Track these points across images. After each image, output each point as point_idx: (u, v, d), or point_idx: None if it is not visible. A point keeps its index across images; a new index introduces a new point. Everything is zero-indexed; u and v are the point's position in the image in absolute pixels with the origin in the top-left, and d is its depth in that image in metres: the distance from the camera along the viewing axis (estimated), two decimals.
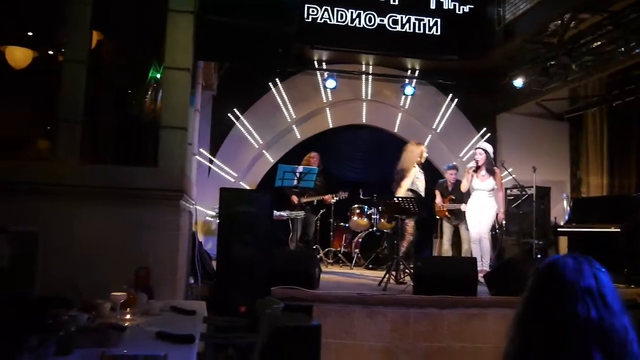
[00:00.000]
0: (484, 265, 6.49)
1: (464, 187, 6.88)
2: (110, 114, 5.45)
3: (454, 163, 8.52)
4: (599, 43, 7.78)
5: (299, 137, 9.61)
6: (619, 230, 6.63)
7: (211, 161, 8.98)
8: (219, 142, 9.16)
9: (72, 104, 4.33)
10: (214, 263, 5.39)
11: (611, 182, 9.55)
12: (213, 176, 8.96)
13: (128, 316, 2.82)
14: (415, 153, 6.93)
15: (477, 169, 6.65)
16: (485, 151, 6.65)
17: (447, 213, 7.44)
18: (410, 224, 6.93)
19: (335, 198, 7.82)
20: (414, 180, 6.80)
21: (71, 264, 3.81)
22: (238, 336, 3.42)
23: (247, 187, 8.83)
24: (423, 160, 7.05)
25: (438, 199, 7.64)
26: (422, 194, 6.85)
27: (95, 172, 4.29)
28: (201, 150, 8.60)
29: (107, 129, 5.37)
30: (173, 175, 4.32)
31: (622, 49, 7.49)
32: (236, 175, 9.11)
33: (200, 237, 6.64)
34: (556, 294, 1.26)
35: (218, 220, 5.14)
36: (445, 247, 7.37)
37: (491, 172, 6.61)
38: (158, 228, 4.20)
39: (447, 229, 7.52)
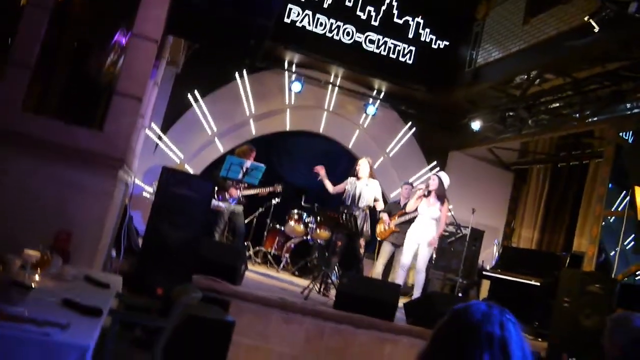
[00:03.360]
0: (415, 295, 6.57)
1: (409, 207, 6.94)
2: (67, 68, 5.28)
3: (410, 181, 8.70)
4: (557, 105, 8.15)
5: (254, 132, 9.57)
6: (538, 284, 6.91)
7: (160, 138, 8.82)
8: (172, 120, 9.01)
9: (27, 48, 4.17)
10: (140, 240, 5.29)
11: (541, 237, 9.96)
12: (159, 153, 8.81)
13: (37, 277, 2.72)
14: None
15: (428, 194, 6.74)
16: (440, 180, 6.76)
17: (395, 229, 7.42)
18: (361, 244, 6.96)
19: (268, 189, 7.69)
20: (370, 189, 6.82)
21: None
22: (149, 318, 3.36)
23: (191, 171, 8.71)
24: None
25: (385, 219, 7.67)
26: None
27: (37, 122, 4.14)
28: (152, 124, 8.44)
29: (59, 83, 5.21)
30: (117, 143, 4.23)
31: (577, 114, 7.86)
32: (182, 157, 8.98)
33: (132, 211, 6.49)
34: (459, 336, 1.30)
35: (154, 198, 5.05)
36: (377, 270, 7.43)
37: (441, 201, 6.70)
38: (90, 193, 4.09)
39: (385, 252, 7.54)
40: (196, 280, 4.74)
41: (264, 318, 4.93)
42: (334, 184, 6.96)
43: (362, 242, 6.94)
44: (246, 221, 7.84)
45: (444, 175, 6.88)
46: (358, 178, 6.77)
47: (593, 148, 9.17)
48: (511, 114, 8.65)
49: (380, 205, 6.97)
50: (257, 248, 8.68)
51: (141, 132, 6.11)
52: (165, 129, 8.93)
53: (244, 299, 4.94)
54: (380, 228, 7.80)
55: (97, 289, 2.99)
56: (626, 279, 7.05)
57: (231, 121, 9.40)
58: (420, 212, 6.73)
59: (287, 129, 9.86)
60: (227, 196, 7.34)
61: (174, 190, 4.78)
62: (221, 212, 7.29)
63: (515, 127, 8.82)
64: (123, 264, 4.88)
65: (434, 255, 8.23)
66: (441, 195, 6.68)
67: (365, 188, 6.72)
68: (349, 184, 6.79)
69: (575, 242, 8.80)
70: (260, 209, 8.59)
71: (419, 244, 6.63)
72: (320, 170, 6.81)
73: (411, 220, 6.94)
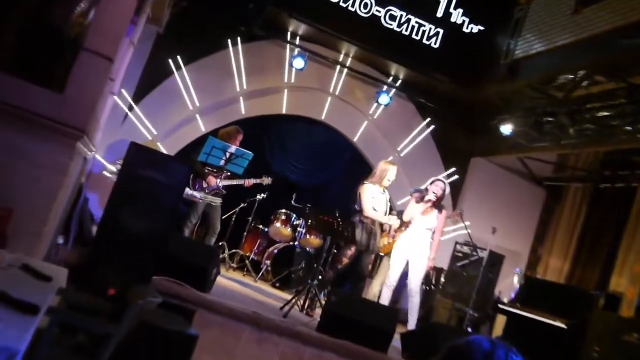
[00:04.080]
0: (410, 323, 6.58)
1: (406, 216, 6.91)
2: (25, 13, 5.23)
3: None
4: (606, 114, 8.13)
5: (243, 112, 9.55)
6: (564, 326, 6.89)
7: (130, 108, 8.78)
8: (147, 88, 8.97)
9: None
10: (95, 228, 5.26)
11: (572, 270, 9.96)
12: (127, 126, 8.78)
13: None
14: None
15: (430, 201, 6.71)
16: (445, 184, 6.78)
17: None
18: (349, 252, 6.95)
19: (254, 181, 7.63)
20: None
21: None
22: (95, 322, 3.33)
23: (164, 151, 8.68)
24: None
25: (390, 232, 7.67)
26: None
27: None
28: (123, 91, 8.40)
29: (14, 31, 5.15)
30: (79, 110, 4.20)
31: (630, 127, 7.84)
32: (156, 133, 8.96)
33: (89, 193, 6.46)
34: None
35: (116, 179, 5.01)
36: (374, 290, 7.41)
37: (439, 208, 6.71)
38: (39, 165, 4.06)
39: (385, 269, 7.54)
40: (157, 282, 4.71)
41: (233, 335, 4.91)
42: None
43: (371, 258, 6.98)
44: (223, 217, 7.81)
45: (447, 181, 6.93)
46: (381, 185, 6.83)
47: None
48: (550, 119, 8.65)
49: (396, 223, 7.00)
50: (234, 250, 8.66)
51: (109, 99, 6.08)
52: (137, 98, 8.89)
53: (212, 310, 4.92)
54: (382, 241, 7.79)
55: (36, 282, 2.96)
56: None
57: (217, 96, 9.38)
58: (415, 222, 6.70)
59: (283, 112, 9.85)
60: (204, 185, 7.31)
61: (141, 172, 4.74)
62: (195, 204, 7.26)
63: (554, 135, 8.83)
64: (71, 254, 4.85)
65: (442, 279, 8.21)
66: (440, 203, 6.72)
67: (387, 198, 6.87)
68: (376, 192, 6.81)
69: (612, 280, 8.76)
70: (242, 205, 8.57)
71: (409, 260, 6.62)
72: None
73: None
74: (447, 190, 6.86)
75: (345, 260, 6.72)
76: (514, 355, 1.34)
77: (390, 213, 6.91)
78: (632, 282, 7.19)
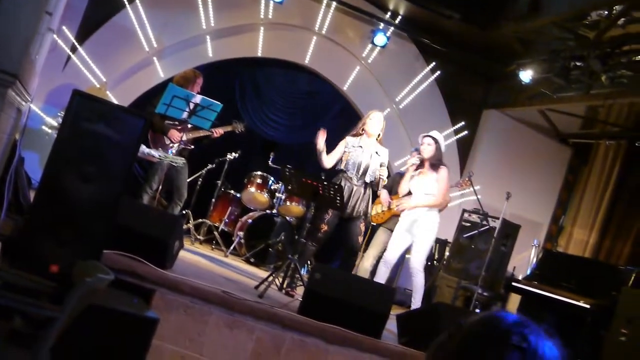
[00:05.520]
0: (415, 303, 6.70)
1: (402, 190, 6.99)
2: None
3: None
4: None
5: (210, 54, 9.50)
6: (588, 306, 7.03)
7: (74, 49, 8.70)
8: (93, 26, 8.89)
9: None
10: (32, 194, 5.25)
11: (600, 242, 10.10)
12: (70, 71, 8.73)
13: None
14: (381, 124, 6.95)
15: (420, 164, 6.78)
16: (436, 141, 6.80)
17: (396, 211, 7.44)
18: (361, 229, 6.96)
19: (223, 130, 7.63)
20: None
21: None
22: (34, 304, 3.37)
23: (115, 101, 8.63)
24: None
25: (384, 197, 7.73)
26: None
27: None
28: (64, 28, 8.31)
29: None
30: (9, 50, 4.16)
31: None
32: (104, 80, 8.91)
33: (25, 152, 6.43)
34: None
35: (57, 135, 4.99)
36: (365, 265, 7.48)
37: (436, 168, 6.75)
38: None
39: (379, 241, 7.60)
40: (108, 257, 4.73)
41: (200, 319, 4.96)
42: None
43: (362, 227, 6.98)
44: (189, 181, 7.82)
45: (439, 136, 6.89)
46: (360, 137, 6.79)
47: None
48: (578, 64, 8.64)
49: (385, 172, 6.91)
50: (200, 220, 8.68)
51: (46, 37, 6.00)
52: (82, 37, 8.82)
53: (174, 289, 4.95)
54: (376, 209, 7.84)
55: None
56: None
57: (179, 35, 9.31)
58: (413, 189, 6.78)
59: (259, 54, 9.79)
60: (165, 141, 7.30)
61: (87, 126, 4.71)
62: (154, 165, 7.26)
63: (582, 84, 8.84)
64: (4, 224, 4.86)
65: (447, 253, 8.31)
66: (437, 162, 6.74)
67: (374, 156, 6.77)
68: (350, 146, 6.78)
69: None
70: (210, 166, 8.57)
71: (414, 236, 6.72)
72: (322, 135, 6.77)
73: None
74: (442, 142, 6.85)
75: (325, 227, 6.72)
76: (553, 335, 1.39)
77: (381, 166, 6.85)
78: None
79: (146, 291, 4.79)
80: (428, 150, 6.74)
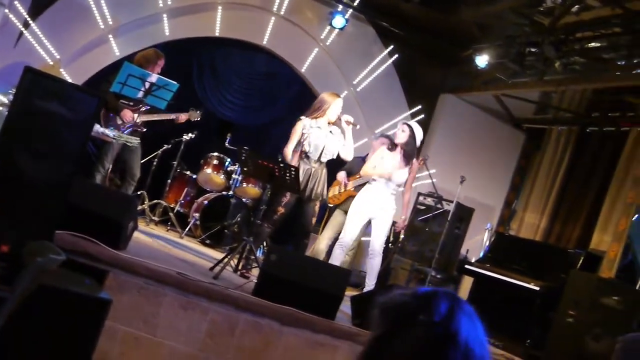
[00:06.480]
0: (368, 285, 6.76)
1: (364, 171, 6.99)
2: None
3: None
4: (597, 44, 8.25)
5: (167, 33, 9.41)
6: (537, 288, 7.17)
7: (26, 25, 8.54)
8: (47, 1, 8.71)
9: None
10: None
11: (550, 226, 10.29)
12: (22, 47, 8.58)
13: None
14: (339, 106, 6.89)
15: (392, 147, 6.82)
16: (412, 131, 6.82)
17: (353, 192, 7.46)
18: (315, 210, 6.94)
19: (178, 117, 7.56)
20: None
21: None
22: None
23: (69, 79, 8.50)
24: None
25: (341, 177, 7.73)
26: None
27: None
28: (15, 3, 8.16)
29: None
30: None
31: (623, 62, 8.01)
32: (58, 57, 8.79)
33: None
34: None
35: (7, 113, 4.90)
36: (320, 246, 7.51)
37: (408, 160, 6.79)
38: None
39: (335, 223, 7.63)
40: (60, 238, 4.67)
41: (154, 300, 4.94)
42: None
43: (316, 208, 6.97)
44: (143, 162, 7.75)
45: (417, 127, 6.92)
46: (316, 119, 6.73)
47: (638, 111, 9.41)
48: (533, 50, 8.74)
49: (345, 152, 6.85)
50: (156, 201, 8.62)
51: None
52: (35, 12, 8.65)
53: (128, 271, 4.92)
54: (333, 190, 7.87)
55: None
56: None
57: (135, 13, 9.20)
58: (379, 172, 6.79)
59: (217, 34, 9.72)
60: (118, 121, 7.21)
61: (39, 104, 4.63)
62: (108, 145, 7.17)
63: (537, 70, 8.94)
64: None
65: (401, 236, 8.38)
66: (410, 154, 6.77)
67: (330, 137, 6.74)
68: (308, 127, 6.72)
69: (594, 238, 9.08)
70: (165, 146, 8.50)
71: (373, 218, 6.76)
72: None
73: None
74: (419, 136, 6.84)
75: (282, 210, 6.72)
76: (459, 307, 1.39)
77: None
78: (616, 239, 7.48)
79: (99, 272, 4.75)
80: (401, 136, 6.77)
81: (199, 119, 7.85)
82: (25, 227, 4.39)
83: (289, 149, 6.76)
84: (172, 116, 7.51)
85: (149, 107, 7.25)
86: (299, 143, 6.76)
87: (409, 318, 1.34)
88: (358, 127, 6.88)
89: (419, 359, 1.31)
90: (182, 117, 7.67)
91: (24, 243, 3.36)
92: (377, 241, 6.78)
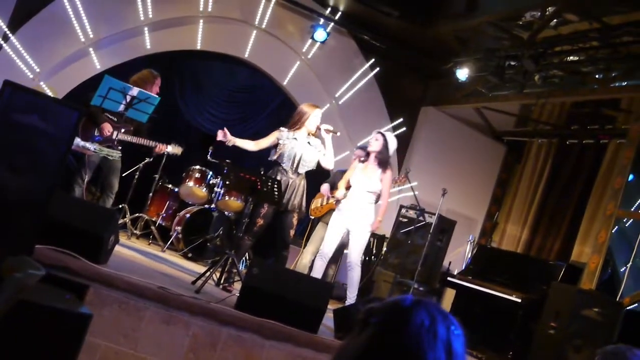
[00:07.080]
0: (349, 299, 6.75)
1: (344, 181, 7.02)
2: None
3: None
4: (575, 58, 8.36)
5: (148, 47, 9.39)
6: (519, 300, 7.20)
7: (5, 38, 8.49)
8: (26, 14, 8.68)
9: None
10: None
11: (532, 238, 10.36)
12: (2, 61, 8.52)
13: None
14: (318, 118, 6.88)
15: (366, 157, 6.85)
16: (385, 140, 6.84)
17: (335, 205, 7.45)
18: (294, 223, 6.91)
19: (157, 146, 7.47)
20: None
21: None
22: None
23: (49, 93, 8.46)
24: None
25: (324, 189, 7.72)
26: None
27: None
28: None
29: None
30: None
31: (601, 75, 8.11)
32: (38, 70, 8.74)
33: None
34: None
35: None
36: (304, 260, 7.50)
37: (383, 167, 6.81)
38: None
39: (318, 236, 7.61)
40: (40, 252, 4.63)
41: (135, 314, 4.90)
42: (255, 138, 6.90)
43: (294, 220, 6.95)
44: (125, 175, 7.70)
45: (390, 136, 6.95)
46: (294, 131, 6.71)
47: (616, 123, 9.53)
48: (513, 63, 8.82)
49: (326, 161, 6.84)
50: (137, 215, 8.57)
51: None
52: (14, 26, 8.61)
53: (109, 285, 4.88)
54: (315, 203, 7.86)
55: None
56: (636, 304, 7.44)
57: (117, 26, 9.18)
58: (354, 183, 6.81)
59: (198, 47, 9.72)
60: (94, 134, 7.16)
61: (18, 118, 4.61)
62: (88, 157, 7.13)
63: (517, 83, 9.02)
64: None
65: (384, 249, 8.38)
66: (384, 161, 6.79)
67: (307, 148, 6.71)
68: (284, 138, 6.71)
69: (575, 250, 9.18)
70: (147, 159, 8.46)
71: (349, 229, 6.77)
72: (222, 136, 6.74)
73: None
74: (392, 145, 6.88)
75: (261, 221, 6.69)
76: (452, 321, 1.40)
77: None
78: (596, 251, 7.53)
79: (80, 287, 4.71)
80: (375, 144, 6.81)
81: (179, 154, 7.77)
82: (3, 241, 4.35)
83: (253, 143, 6.82)
84: (152, 144, 7.42)
85: (131, 129, 7.20)
86: (275, 153, 6.73)
87: (396, 320, 1.39)
88: (339, 133, 6.87)
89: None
90: (162, 148, 7.52)
91: (2, 258, 3.32)
92: (354, 253, 6.79)
